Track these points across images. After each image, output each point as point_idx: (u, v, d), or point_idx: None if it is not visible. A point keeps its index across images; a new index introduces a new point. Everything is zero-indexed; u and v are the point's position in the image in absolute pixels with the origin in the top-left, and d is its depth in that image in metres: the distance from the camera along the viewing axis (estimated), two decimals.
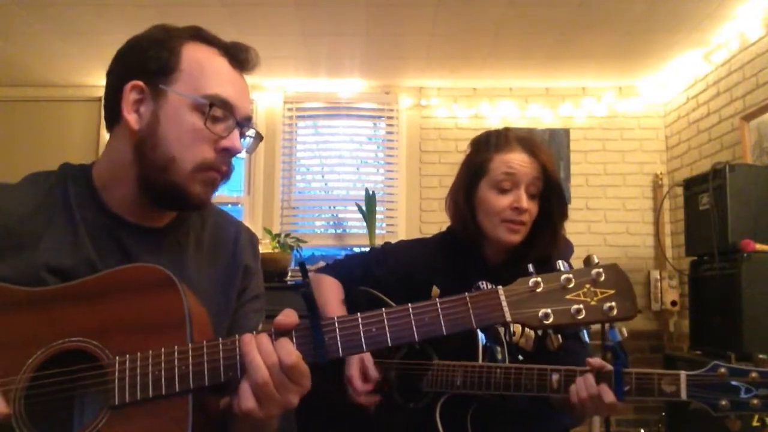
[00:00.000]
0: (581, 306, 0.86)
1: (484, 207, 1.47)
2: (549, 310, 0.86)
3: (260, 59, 1.03)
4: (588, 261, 0.91)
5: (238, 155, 1.02)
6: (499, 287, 0.88)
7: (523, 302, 0.87)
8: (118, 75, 0.98)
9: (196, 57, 0.96)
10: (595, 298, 0.87)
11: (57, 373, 0.85)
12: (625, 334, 0.92)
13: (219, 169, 0.97)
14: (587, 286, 0.88)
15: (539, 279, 0.88)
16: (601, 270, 0.88)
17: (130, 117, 0.95)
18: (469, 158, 1.55)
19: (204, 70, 0.95)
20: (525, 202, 1.42)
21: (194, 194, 0.96)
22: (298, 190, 4.28)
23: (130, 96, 0.95)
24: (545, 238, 1.48)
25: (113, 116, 0.99)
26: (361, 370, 1.42)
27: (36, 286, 0.90)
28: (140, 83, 0.95)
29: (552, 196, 1.47)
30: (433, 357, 1.42)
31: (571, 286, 0.88)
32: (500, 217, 1.44)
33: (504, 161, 1.45)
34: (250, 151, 1.06)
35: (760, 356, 2.38)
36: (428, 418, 1.38)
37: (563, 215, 1.50)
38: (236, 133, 0.97)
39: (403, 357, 1.48)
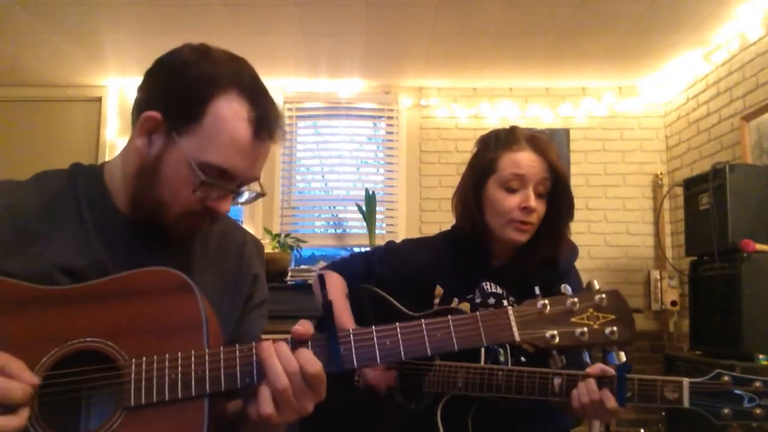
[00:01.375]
0: (585, 329, 0.91)
1: (492, 206, 1.46)
2: (555, 332, 0.91)
3: (280, 125, 1.00)
4: (589, 286, 0.95)
5: None
6: (509, 307, 0.92)
7: (532, 323, 0.91)
8: (148, 92, 0.97)
9: (222, 116, 0.92)
10: (598, 322, 0.92)
11: (72, 372, 0.85)
12: (623, 359, 0.95)
13: (203, 220, 1.00)
14: (590, 310, 0.93)
15: (546, 302, 0.92)
16: (603, 296, 0.93)
17: (140, 141, 0.96)
18: (477, 156, 1.54)
19: (220, 134, 0.92)
20: (533, 202, 1.42)
21: (175, 234, 1.00)
22: (298, 190, 4.28)
23: (146, 124, 0.95)
24: (551, 238, 1.47)
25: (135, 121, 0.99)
26: None
27: (47, 285, 0.90)
28: (159, 117, 0.93)
29: (560, 196, 1.46)
30: (435, 357, 1.42)
31: (576, 309, 0.92)
32: (508, 216, 1.43)
33: (512, 160, 1.44)
34: (248, 203, 1.06)
35: (760, 356, 2.39)
36: (429, 419, 1.38)
37: (570, 215, 1.49)
38: (228, 197, 0.98)
39: None
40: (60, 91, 4.12)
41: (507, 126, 1.56)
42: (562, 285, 0.96)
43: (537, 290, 0.95)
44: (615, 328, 0.91)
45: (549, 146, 1.47)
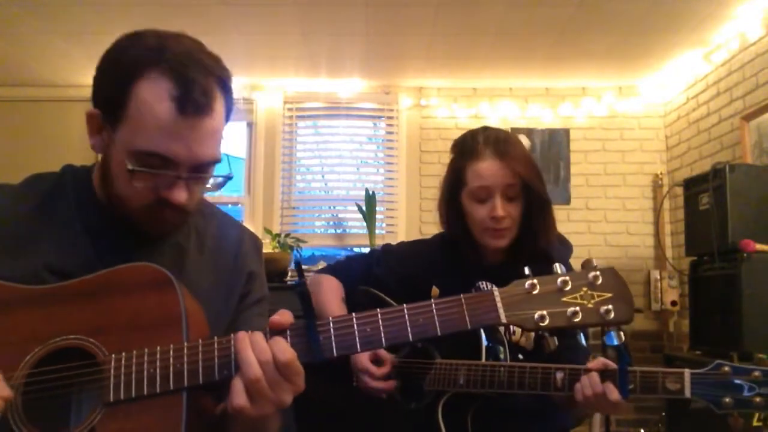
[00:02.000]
0: (578, 309, 0.86)
1: (468, 216, 1.49)
2: (545, 312, 0.86)
3: (213, 97, 0.92)
4: (586, 264, 0.91)
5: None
6: (495, 288, 0.88)
7: (519, 304, 0.87)
8: (92, 89, 0.96)
9: (144, 100, 0.88)
10: (592, 301, 0.87)
11: (53, 370, 0.85)
12: (623, 338, 0.92)
13: (165, 213, 0.95)
14: (584, 288, 0.87)
15: (535, 281, 0.88)
16: (598, 273, 0.88)
17: (92, 140, 0.96)
18: (450, 165, 1.56)
19: (144, 119, 0.88)
20: (500, 210, 1.42)
21: (146, 229, 0.98)
22: (298, 190, 4.28)
23: (91, 122, 0.95)
24: (532, 234, 1.47)
25: None
26: (372, 357, 1.43)
27: (36, 285, 0.90)
28: (97, 114, 0.94)
29: (529, 195, 1.45)
30: (435, 356, 1.42)
31: (568, 288, 0.87)
32: (482, 226, 1.45)
33: (475, 172, 1.45)
34: (216, 189, 1.01)
35: (760, 356, 2.39)
36: (430, 417, 1.38)
37: (542, 212, 1.47)
38: (179, 184, 0.92)
39: (405, 356, 1.49)
40: (60, 91, 4.12)
41: (503, 127, 1.56)
42: (555, 264, 0.91)
43: (527, 270, 0.91)
44: (611, 307, 0.85)
45: (512, 149, 1.45)
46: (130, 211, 0.95)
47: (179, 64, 0.89)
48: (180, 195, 0.92)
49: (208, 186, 0.98)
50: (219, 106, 0.93)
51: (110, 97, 0.91)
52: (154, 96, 0.88)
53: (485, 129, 1.53)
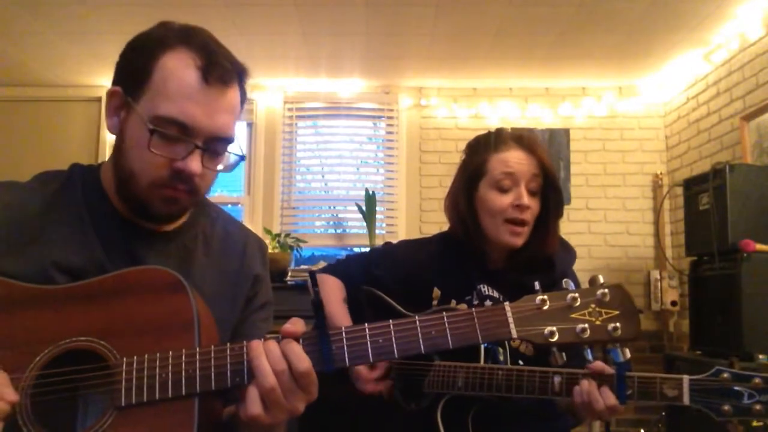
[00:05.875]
0: (586, 325, 0.88)
1: (485, 207, 1.47)
2: (554, 328, 0.88)
3: (236, 71, 0.98)
4: (593, 281, 0.92)
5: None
6: (506, 303, 0.90)
7: (529, 319, 0.89)
8: (114, 75, 0.99)
9: (168, 68, 0.92)
10: (600, 318, 0.89)
11: (64, 371, 0.85)
12: (628, 355, 0.93)
13: (175, 187, 0.94)
14: (592, 305, 0.90)
15: (545, 297, 0.90)
16: (606, 290, 0.90)
17: (109, 122, 0.98)
18: (466, 161, 1.55)
19: (167, 86, 0.91)
20: (526, 199, 1.42)
21: (155, 210, 0.97)
22: (298, 190, 4.28)
23: (110, 101, 0.97)
24: (543, 236, 1.47)
25: None
26: None
27: (44, 283, 0.90)
28: (119, 90, 0.96)
29: (549, 192, 1.46)
30: (434, 358, 1.42)
31: (577, 305, 0.90)
32: (503, 216, 1.43)
33: (501, 160, 1.45)
34: (228, 170, 1.01)
35: (760, 356, 2.39)
36: (430, 419, 1.37)
37: (559, 212, 1.48)
38: (195, 154, 0.92)
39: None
40: (60, 91, 4.12)
41: (505, 127, 1.57)
42: (564, 280, 0.93)
43: (537, 285, 0.92)
44: (618, 324, 0.88)
45: (536, 143, 1.48)
46: (141, 189, 0.94)
47: (206, 45, 0.95)
48: (195, 164, 0.93)
49: (220, 167, 0.99)
50: (237, 89, 0.98)
51: (135, 70, 0.94)
52: (179, 64, 0.92)
53: (506, 128, 1.54)
